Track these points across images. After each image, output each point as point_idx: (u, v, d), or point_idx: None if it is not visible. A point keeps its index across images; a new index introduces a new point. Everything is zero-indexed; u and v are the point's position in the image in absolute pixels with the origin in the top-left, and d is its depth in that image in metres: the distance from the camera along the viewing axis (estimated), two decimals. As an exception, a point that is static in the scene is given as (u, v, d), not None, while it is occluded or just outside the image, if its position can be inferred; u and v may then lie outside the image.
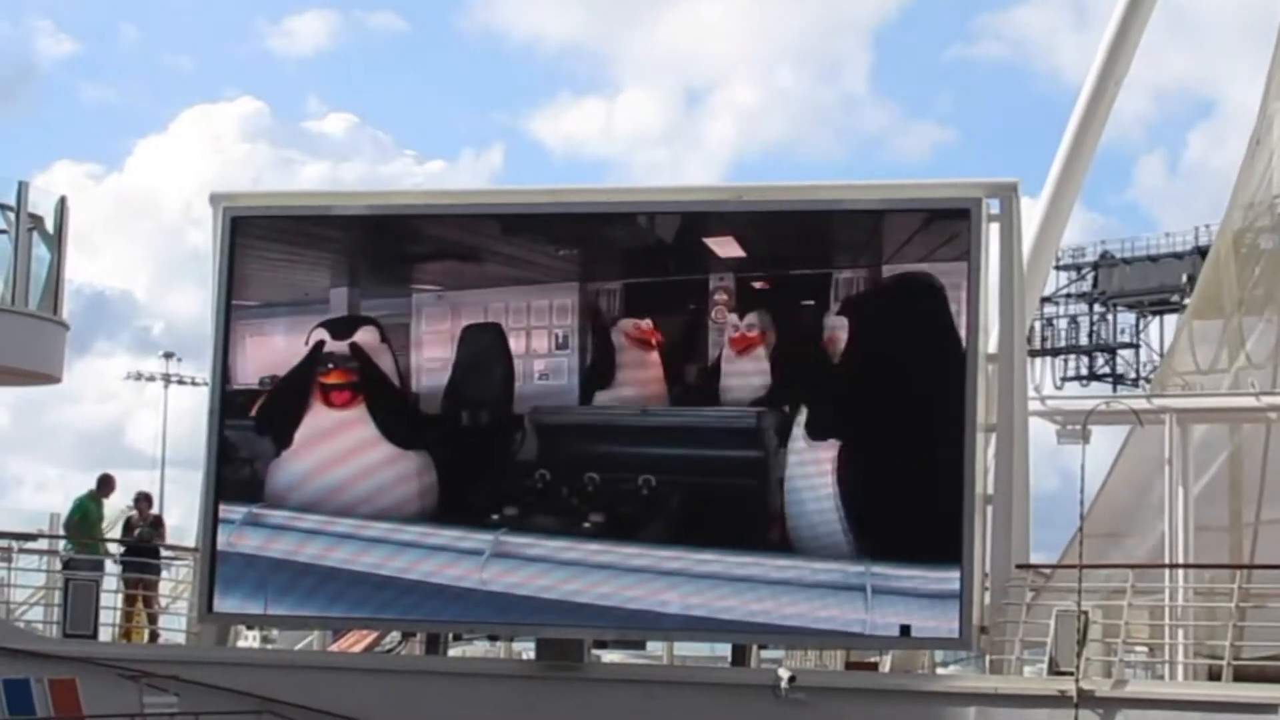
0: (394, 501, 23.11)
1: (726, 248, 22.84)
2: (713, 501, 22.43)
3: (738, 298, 22.57)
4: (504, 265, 23.49)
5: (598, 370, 22.92)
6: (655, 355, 22.79)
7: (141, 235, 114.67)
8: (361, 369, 23.46)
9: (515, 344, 23.18)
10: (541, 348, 23.13)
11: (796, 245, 22.80)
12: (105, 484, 25.20)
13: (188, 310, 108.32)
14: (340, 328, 23.59)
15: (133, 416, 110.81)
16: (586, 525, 22.54)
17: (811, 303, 22.40)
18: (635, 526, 22.47)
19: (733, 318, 22.49)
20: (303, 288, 24.04)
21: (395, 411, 23.42)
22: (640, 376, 22.82)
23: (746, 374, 22.39)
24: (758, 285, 22.67)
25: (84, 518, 24.70)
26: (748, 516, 22.24)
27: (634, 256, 23.31)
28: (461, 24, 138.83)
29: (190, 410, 69.69)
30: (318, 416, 23.51)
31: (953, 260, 21.92)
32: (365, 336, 23.49)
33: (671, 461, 22.60)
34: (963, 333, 21.70)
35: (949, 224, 21.98)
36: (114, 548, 25.06)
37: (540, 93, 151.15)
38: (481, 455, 23.18)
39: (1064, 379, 75.44)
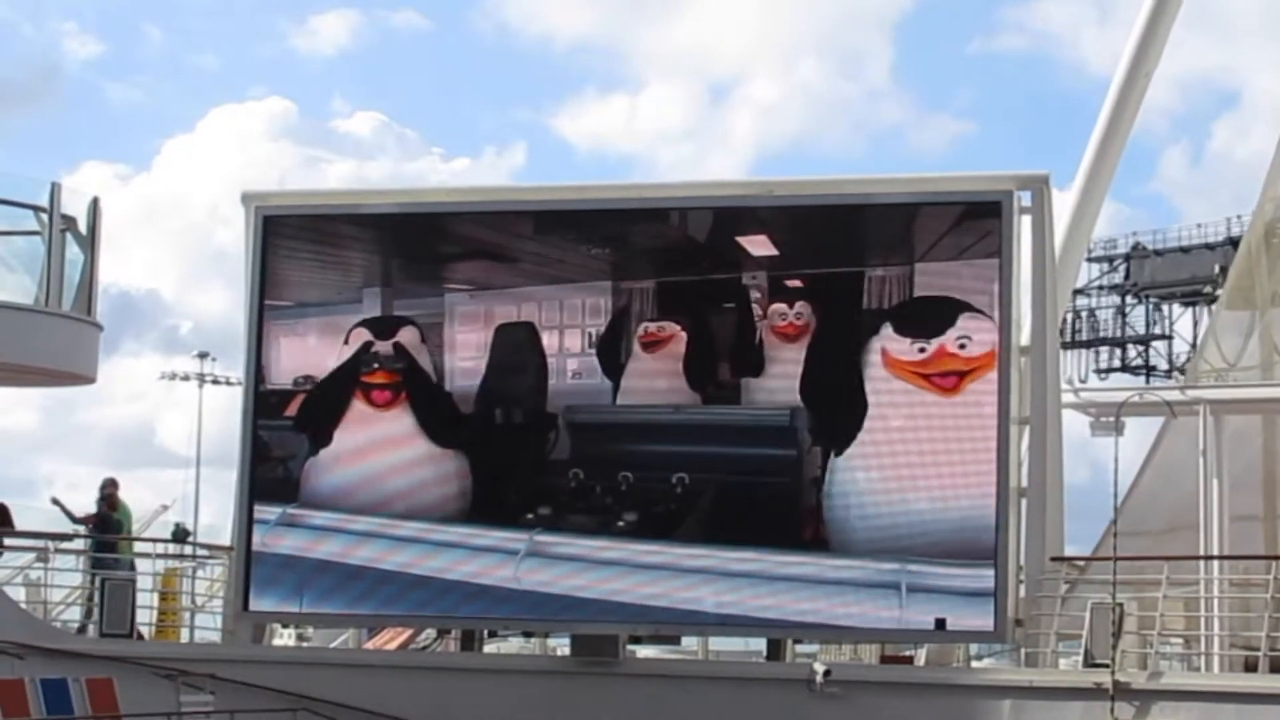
0: (431, 501, 23.20)
1: (759, 246, 22.84)
2: (746, 500, 22.44)
3: (770, 296, 22.57)
4: (536, 264, 23.52)
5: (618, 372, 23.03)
6: (680, 355, 22.81)
7: (169, 235, 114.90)
8: (406, 369, 23.53)
9: (548, 343, 23.22)
10: (574, 347, 23.15)
11: (828, 243, 22.78)
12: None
13: (216, 309, 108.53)
14: (383, 327, 23.66)
15: (162, 416, 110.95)
16: (620, 524, 22.59)
17: (845, 300, 22.43)
18: (669, 525, 22.50)
19: (780, 306, 22.47)
20: (336, 287, 24.11)
21: (436, 412, 23.47)
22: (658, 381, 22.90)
23: (788, 363, 22.37)
24: (790, 284, 22.66)
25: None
26: (781, 515, 22.25)
27: (666, 255, 23.32)
28: (481, 22, 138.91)
29: (222, 410, 69.89)
30: (358, 416, 23.59)
31: (985, 258, 21.92)
32: (408, 336, 23.57)
33: (705, 460, 22.62)
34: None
35: (982, 222, 21.95)
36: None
37: (566, 89, 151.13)
38: (515, 454, 23.23)
39: (1096, 371, 75.28)
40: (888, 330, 22.09)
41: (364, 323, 23.71)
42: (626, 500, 22.62)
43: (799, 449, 22.33)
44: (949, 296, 22.11)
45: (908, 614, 21.53)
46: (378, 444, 23.54)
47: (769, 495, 22.38)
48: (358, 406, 23.61)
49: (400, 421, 23.52)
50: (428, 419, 23.44)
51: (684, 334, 22.81)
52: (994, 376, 21.78)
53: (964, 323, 21.92)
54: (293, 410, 23.96)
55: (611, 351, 22.98)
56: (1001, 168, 22.55)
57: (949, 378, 21.88)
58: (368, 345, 23.62)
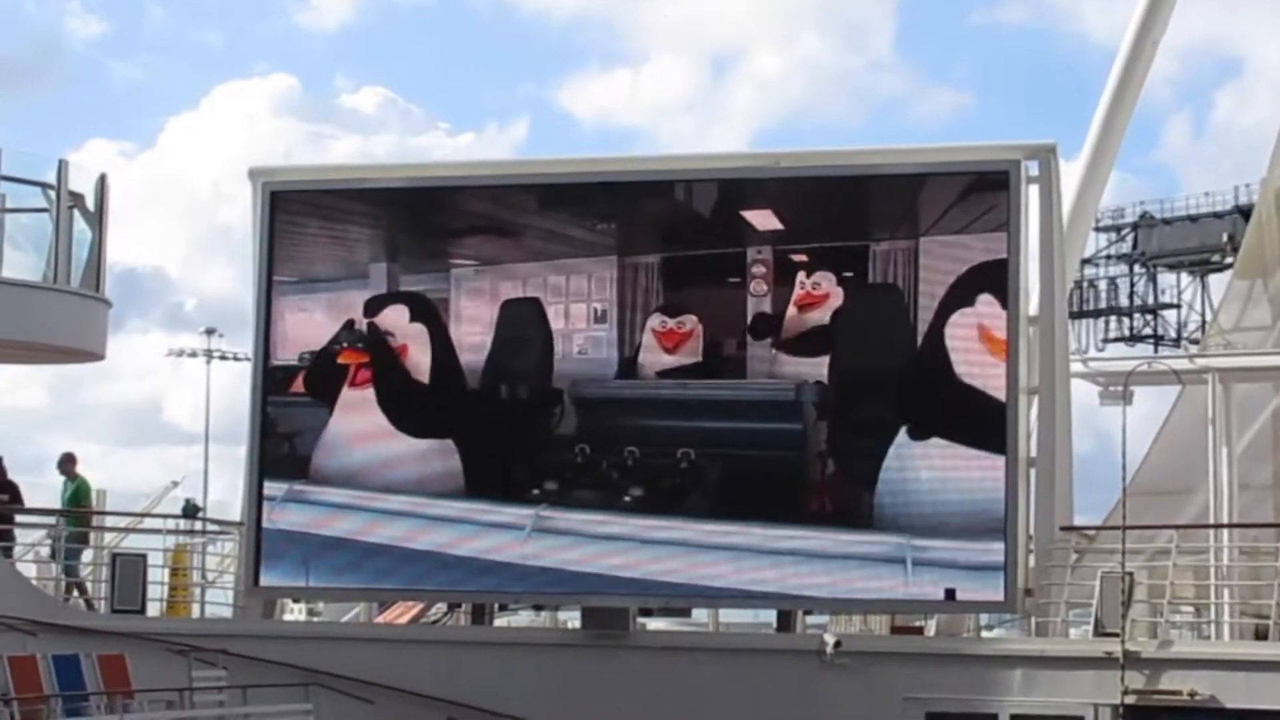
0: (429, 479, 23.20)
1: (764, 220, 22.81)
2: (752, 474, 22.44)
3: (775, 270, 22.53)
4: (542, 239, 23.49)
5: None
6: (699, 349, 22.80)
7: (173, 212, 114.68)
8: (373, 350, 23.52)
9: (554, 318, 23.20)
10: (580, 322, 23.14)
11: (834, 216, 22.75)
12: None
13: (220, 286, 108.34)
14: (373, 305, 23.63)
15: (169, 393, 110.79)
16: (627, 499, 22.61)
17: (850, 274, 22.39)
18: (675, 500, 22.50)
19: (800, 275, 22.41)
20: (342, 262, 24.09)
21: (400, 397, 23.44)
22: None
23: (796, 335, 22.36)
24: (795, 258, 22.64)
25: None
26: (787, 489, 22.25)
27: (672, 229, 23.28)
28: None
29: (228, 386, 69.77)
30: (346, 394, 23.61)
31: (992, 230, 21.87)
32: (391, 315, 23.51)
33: (711, 435, 22.62)
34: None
35: (988, 194, 21.91)
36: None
37: (569, 63, 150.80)
38: (521, 430, 23.22)
39: (1105, 340, 75.19)
40: (986, 300, 21.89)
41: (368, 299, 23.68)
42: (633, 475, 22.62)
43: (804, 423, 22.33)
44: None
45: (914, 587, 21.54)
46: (362, 424, 23.55)
47: (775, 469, 22.37)
48: (344, 386, 23.63)
49: (369, 402, 23.55)
50: (393, 405, 23.42)
51: (701, 326, 22.76)
52: None
53: None
54: (298, 385, 23.96)
55: (621, 333, 22.97)
56: (1002, 138, 22.53)
57: None
58: (350, 322, 23.61)
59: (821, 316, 22.38)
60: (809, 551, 21.86)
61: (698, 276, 23.07)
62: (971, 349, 21.84)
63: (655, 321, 22.86)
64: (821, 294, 22.43)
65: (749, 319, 22.58)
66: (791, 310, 22.43)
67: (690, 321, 22.78)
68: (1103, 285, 76.02)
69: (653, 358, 22.84)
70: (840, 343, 22.35)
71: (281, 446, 23.88)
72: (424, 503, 23.11)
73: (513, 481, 23.03)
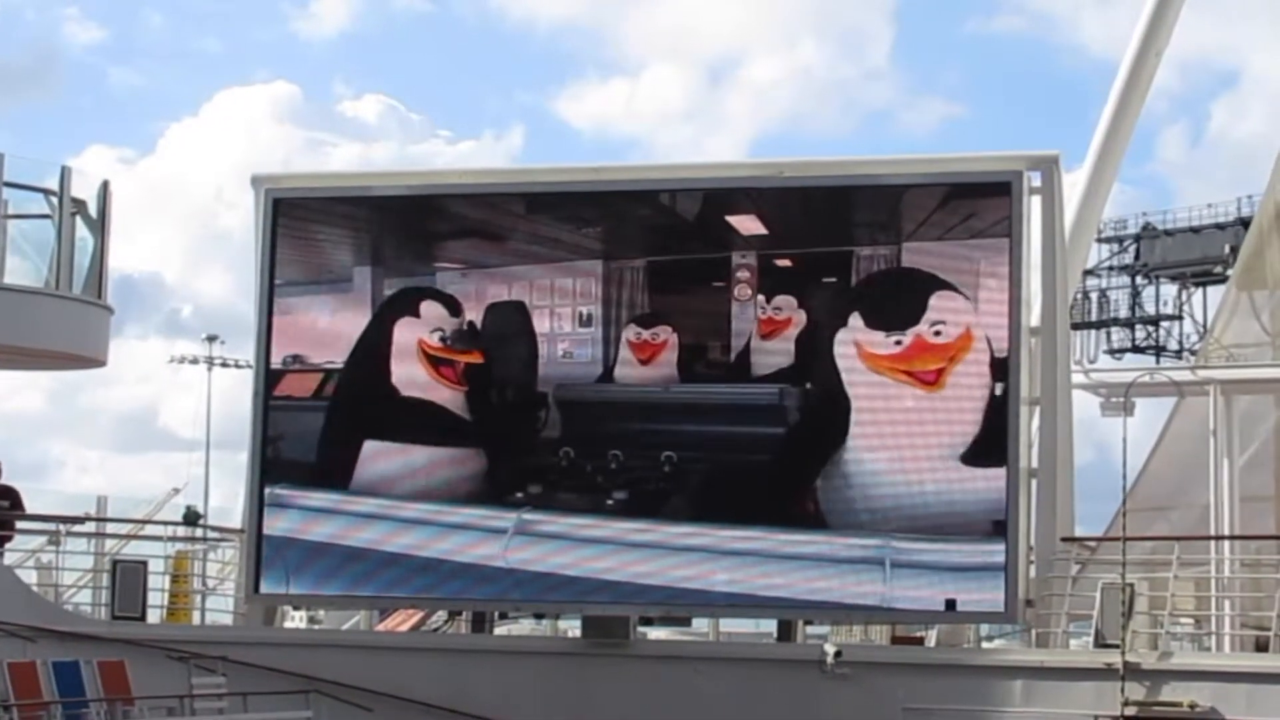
0: (436, 482, 23.18)
1: (749, 225, 22.79)
2: (735, 477, 22.41)
3: (760, 275, 22.50)
4: (528, 242, 23.45)
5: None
6: (674, 360, 22.71)
7: (172, 218, 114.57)
8: (487, 349, 23.42)
9: (539, 321, 23.18)
10: (565, 325, 23.13)
11: (823, 223, 22.73)
12: None
13: (218, 292, 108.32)
14: (453, 305, 23.44)
15: (167, 399, 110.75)
16: (610, 502, 22.54)
17: (834, 280, 22.36)
18: (658, 503, 22.44)
19: (759, 298, 22.40)
20: (328, 266, 24.04)
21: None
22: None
23: (777, 341, 22.34)
24: (780, 263, 22.61)
25: None
26: (770, 493, 22.24)
27: (657, 233, 23.25)
28: (474, 5, 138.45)
29: (225, 392, 69.78)
30: (422, 389, 23.47)
31: (982, 235, 21.86)
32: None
33: (694, 438, 22.58)
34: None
35: (982, 200, 21.89)
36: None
37: (568, 73, 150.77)
38: (506, 433, 23.20)
39: (1106, 351, 75.23)
40: (856, 322, 21.92)
41: (432, 295, 23.47)
42: (616, 478, 22.56)
43: (787, 427, 22.31)
44: (913, 273, 21.90)
45: (900, 591, 21.49)
46: (429, 424, 23.41)
47: (758, 473, 22.33)
48: (425, 381, 23.46)
49: (460, 399, 23.41)
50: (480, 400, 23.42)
51: (676, 336, 22.71)
52: (972, 358, 21.63)
53: (936, 304, 21.72)
54: (285, 388, 23.88)
55: (606, 335, 22.96)
56: (992, 149, 22.56)
57: (930, 372, 21.72)
58: (439, 319, 23.41)
59: (785, 345, 22.32)
60: (796, 555, 21.80)
61: (682, 281, 23.02)
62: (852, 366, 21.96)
63: (630, 333, 22.83)
64: (783, 319, 22.41)
65: (733, 356, 22.51)
66: (755, 340, 22.40)
67: (664, 333, 22.69)
68: (1095, 297, 76.01)
69: (628, 371, 22.81)
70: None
71: (280, 450, 23.83)
72: (427, 510, 23.08)
73: (496, 485, 23.00)
